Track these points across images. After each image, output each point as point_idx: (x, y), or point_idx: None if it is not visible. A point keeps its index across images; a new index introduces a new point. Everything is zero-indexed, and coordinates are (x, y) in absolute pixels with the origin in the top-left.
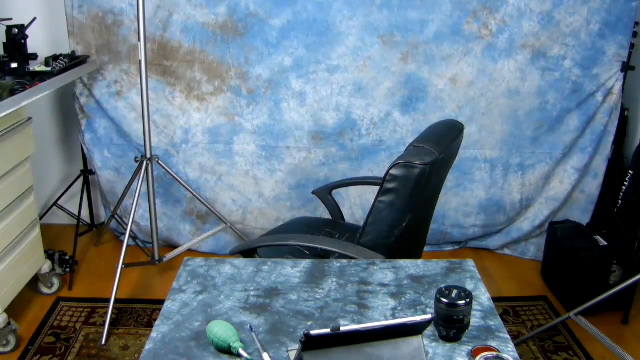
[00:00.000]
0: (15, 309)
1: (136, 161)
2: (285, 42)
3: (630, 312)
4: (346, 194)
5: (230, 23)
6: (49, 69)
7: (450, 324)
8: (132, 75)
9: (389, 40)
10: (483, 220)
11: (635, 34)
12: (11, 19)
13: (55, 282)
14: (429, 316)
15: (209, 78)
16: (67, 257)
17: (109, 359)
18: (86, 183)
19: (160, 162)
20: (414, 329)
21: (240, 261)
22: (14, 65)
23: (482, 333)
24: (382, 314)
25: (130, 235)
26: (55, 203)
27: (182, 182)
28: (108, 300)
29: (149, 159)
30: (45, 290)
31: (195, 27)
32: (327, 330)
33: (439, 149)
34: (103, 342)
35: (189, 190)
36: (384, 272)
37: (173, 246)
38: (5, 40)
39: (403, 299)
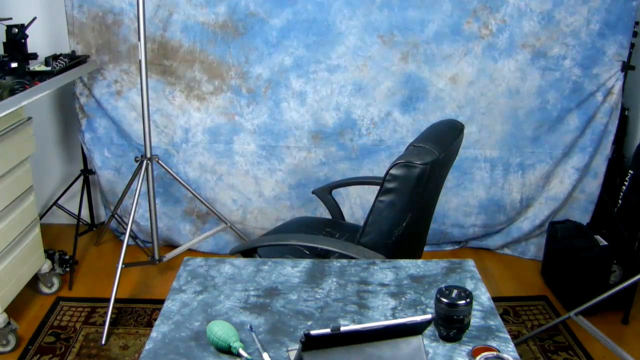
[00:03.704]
0: (15, 309)
1: (136, 161)
2: (285, 42)
3: (630, 312)
4: (346, 193)
5: (230, 23)
6: (48, 68)
7: (450, 324)
8: (132, 74)
9: (389, 40)
10: (483, 219)
11: (635, 34)
12: (11, 19)
13: (55, 281)
14: (429, 316)
15: (209, 78)
16: (67, 257)
17: (109, 359)
18: (86, 183)
19: (160, 161)
20: (414, 329)
21: (240, 261)
22: (14, 64)
23: (482, 333)
24: (382, 314)
25: (130, 235)
26: (55, 203)
27: (182, 181)
28: (108, 300)
29: (149, 159)
30: (45, 289)
31: (195, 26)
32: (327, 330)
33: (439, 148)
34: (103, 342)
35: (189, 190)
36: (384, 272)
37: (173, 246)
38: (5, 40)
39: (403, 298)
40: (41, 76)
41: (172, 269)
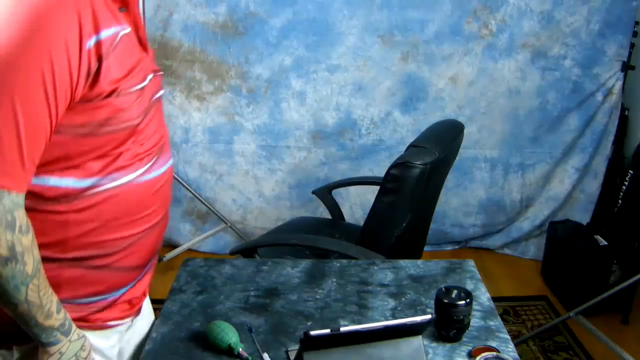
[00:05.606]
0: None
1: None
2: (285, 42)
3: (630, 312)
4: (346, 193)
5: (231, 22)
6: None
7: (450, 324)
8: None
9: (389, 40)
10: (483, 219)
11: (635, 34)
12: None
13: None
14: (429, 316)
15: (209, 77)
16: None
17: None
18: None
19: None
20: (414, 329)
21: (240, 261)
22: None
23: (482, 333)
24: (382, 314)
25: None
26: None
27: (182, 181)
28: None
29: None
30: None
31: (196, 26)
32: (327, 331)
33: (439, 148)
34: None
35: (189, 189)
36: (384, 272)
37: (173, 246)
38: None
39: (403, 299)
40: None
41: (172, 269)
